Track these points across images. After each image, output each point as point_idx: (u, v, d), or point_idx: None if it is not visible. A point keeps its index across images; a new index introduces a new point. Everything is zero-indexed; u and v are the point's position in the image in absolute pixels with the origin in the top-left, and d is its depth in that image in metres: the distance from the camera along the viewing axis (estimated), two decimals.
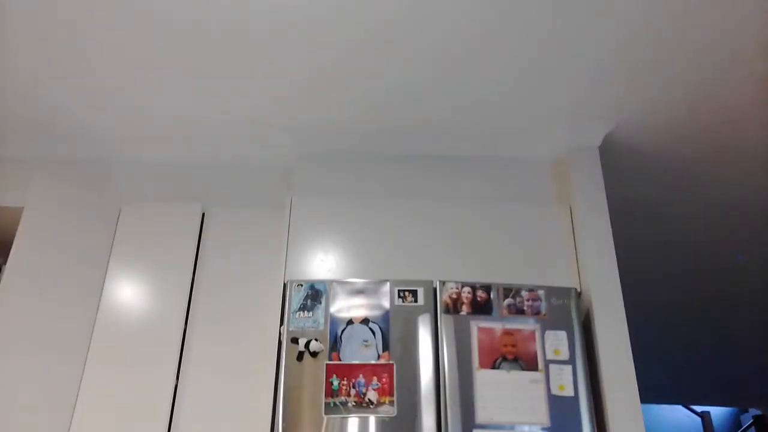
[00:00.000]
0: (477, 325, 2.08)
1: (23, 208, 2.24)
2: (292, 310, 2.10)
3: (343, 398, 1.96)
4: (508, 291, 2.14)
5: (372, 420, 1.94)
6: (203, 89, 2.34)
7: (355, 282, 2.15)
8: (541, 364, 2.03)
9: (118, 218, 2.43)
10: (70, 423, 2.09)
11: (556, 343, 2.06)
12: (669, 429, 5.83)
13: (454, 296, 2.12)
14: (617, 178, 2.61)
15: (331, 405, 1.95)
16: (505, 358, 2.04)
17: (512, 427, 1.95)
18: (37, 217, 2.24)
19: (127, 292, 2.30)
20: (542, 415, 1.96)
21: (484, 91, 2.31)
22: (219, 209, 2.48)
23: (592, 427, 1.96)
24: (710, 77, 2.20)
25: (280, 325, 2.11)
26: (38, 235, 2.23)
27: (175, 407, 2.14)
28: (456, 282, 2.14)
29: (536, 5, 1.95)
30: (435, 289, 2.14)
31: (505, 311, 2.11)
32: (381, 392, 1.97)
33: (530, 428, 1.94)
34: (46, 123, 2.55)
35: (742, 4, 1.93)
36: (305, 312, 2.10)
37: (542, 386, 2.00)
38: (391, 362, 2.02)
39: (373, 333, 2.06)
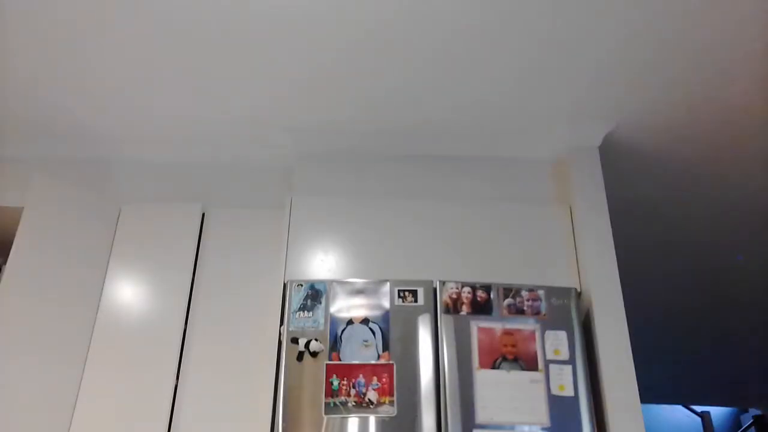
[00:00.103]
0: (477, 325, 2.08)
1: (23, 208, 2.24)
2: (292, 310, 2.10)
3: (343, 398, 1.96)
4: (508, 291, 2.14)
5: (372, 420, 1.94)
6: (203, 89, 2.34)
7: (355, 282, 2.15)
8: (541, 364, 2.03)
9: (118, 218, 2.43)
10: (70, 423, 2.09)
11: (556, 343, 2.06)
12: (669, 429, 5.83)
13: (454, 296, 2.12)
14: (617, 178, 2.61)
15: (331, 405, 1.95)
16: (505, 358, 2.04)
17: (512, 427, 1.95)
18: (37, 217, 2.24)
19: (127, 292, 2.30)
20: (542, 415, 1.96)
21: (484, 91, 2.31)
22: (219, 209, 2.48)
23: (592, 427, 1.96)
24: (710, 77, 2.21)
25: (280, 325, 2.11)
26: (38, 235, 2.23)
27: (175, 407, 2.14)
28: (456, 282, 2.14)
29: (536, 5, 1.95)
30: (435, 289, 2.14)
31: (505, 311, 2.11)
32: (381, 392, 1.97)
33: (530, 428, 1.94)
34: (46, 123, 2.55)
35: (742, 4, 1.93)
36: (305, 312, 2.10)
37: (542, 386, 2.00)
38: (391, 362, 2.02)
39: (373, 333, 2.06)
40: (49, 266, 2.21)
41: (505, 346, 2.05)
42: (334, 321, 2.08)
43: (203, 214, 2.47)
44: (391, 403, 1.96)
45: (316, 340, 2.04)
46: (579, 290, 2.23)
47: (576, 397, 1.99)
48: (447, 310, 2.10)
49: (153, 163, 2.67)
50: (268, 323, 2.20)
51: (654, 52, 2.11)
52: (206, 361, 2.21)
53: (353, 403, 1.96)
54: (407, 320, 2.08)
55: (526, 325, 2.09)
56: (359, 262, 2.30)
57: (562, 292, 2.14)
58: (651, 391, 4.41)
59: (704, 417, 5.64)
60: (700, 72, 2.19)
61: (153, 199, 2.58)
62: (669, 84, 2.24)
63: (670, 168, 2.65)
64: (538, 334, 2.07)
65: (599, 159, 2.44)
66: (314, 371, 2.00)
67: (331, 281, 2.15)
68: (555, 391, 2.00)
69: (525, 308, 2.11)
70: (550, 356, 2.05)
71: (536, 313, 2.11)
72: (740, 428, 5.74)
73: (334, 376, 1.99)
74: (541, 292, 2.14)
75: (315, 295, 2.12)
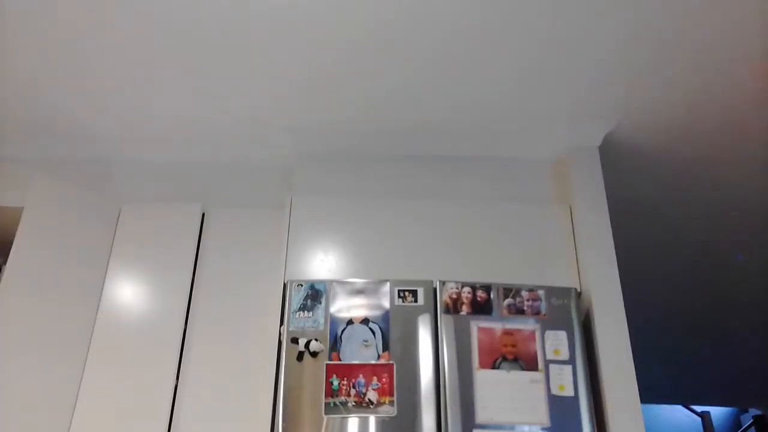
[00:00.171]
0: (477, 325, 2.08)
1: (23, 208, 2.24)
2: (292, 310, 2.10)
3: (343, 398, 1.96)
4: (508, 291, 2.14)
5: (372, 420, 1.94)
6: (203, 89, 2.34)
7: (355, 282, 2.15)
8: (541, 364, 2.03)
9: (118, 218, 2.43)
10: (70, 423, 2.09)
11: (556, 343, 2.06)
12: (669, 429, 5.83)
13: (454, 296, 2.12)
14: (617, 178, 2.61)
15: (331, 405, 1.95)
16: (505, 358, 2.04)
17: (512, 427, 1.95)
18: (37, 217, 2.24)
19: (127, 292, 2.30)
20: (542, 415, 1.96)
21: (484, 91, 2.31)
22: (219, 209, 2.48)
23: (592, 427, 1.96)
24: (710, 77, 2.21)
25: (280, 325, 2.11)
26: (38, 235, 2.23)
27: (175, 407, 2.14)
28: (456, 282, 2.14)
29: (536, 5, 1.95)
30: (435, 289, 2.14)
31: (505, 311, 2.11)
32: (381, 392, 1.97)
33: (530, 428, 1.94)
34: (46, 123, 2.55)
35: (742, 4, 1.93)
36: (305, 312, 2.10)
37: (542, 386, 2.00)
38: (391, 362, 2.02)
39: (373, 333, 2.06)
40: (49, 266, 2.21)
41: (505, 346, 2.05)
42: (334, 321, 2.08)
43: (203, 214, 2.47)
44: (391, 403, 1.96)
45: (316, 340, 2.04)
46: (579, 290, 2.23)
47: (576, 397, 1.99)
48: (447, 310, 2.10)
49: (153, 163, 2.67)
50: (268, 323, 2.20)
51: (654, 52, 2.11)
52: (206, 361, 2.21)
53: (353, 403, 1.96)
54: (407, 320, 2.08)
55: (526, 325, 2.09)
56: (359, 262, 2.30)
57: (562, 292, 2.14)
58: (651, 391, 4.41)
59: (704, 417, 5.64)
60: (700, 72, 2.19)
61: (153, 199, 2.58)
62: (669, 84, 2.24)
63: (670, 168, 2.65)
64: (538, 334, 2.07)
65: (599, 159, 2.44)
66: (314, 371, 2.00)
67: (331, 281, 2.15)
68: (555, 391, 2.00)
69: (525, 308, 2.11)
70: (550, 356, 2.05)
71: (536, 313, 2.11)
72: (740, 428, 5.74)
73: (334, 376, 1.99)
74: (541, 292, 2.14)
75: (315, 295, 2.12)
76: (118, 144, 2.64)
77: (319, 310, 2.10)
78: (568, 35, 2.06)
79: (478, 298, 2.12)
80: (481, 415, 1.95)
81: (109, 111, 2.47)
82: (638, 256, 3.21)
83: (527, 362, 2.03)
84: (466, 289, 2.13)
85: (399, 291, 2.13)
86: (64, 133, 2.60)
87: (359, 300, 2.11)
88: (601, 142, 2.46)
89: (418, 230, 2.36)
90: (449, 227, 2.37)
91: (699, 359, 4.42)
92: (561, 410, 1.97)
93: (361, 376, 1.99)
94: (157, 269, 2.33)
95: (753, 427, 5.43)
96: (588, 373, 2.03)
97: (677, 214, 2.96)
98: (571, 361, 2.04)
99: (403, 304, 2.11)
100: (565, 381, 2.01)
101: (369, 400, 1.96)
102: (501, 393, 1.98)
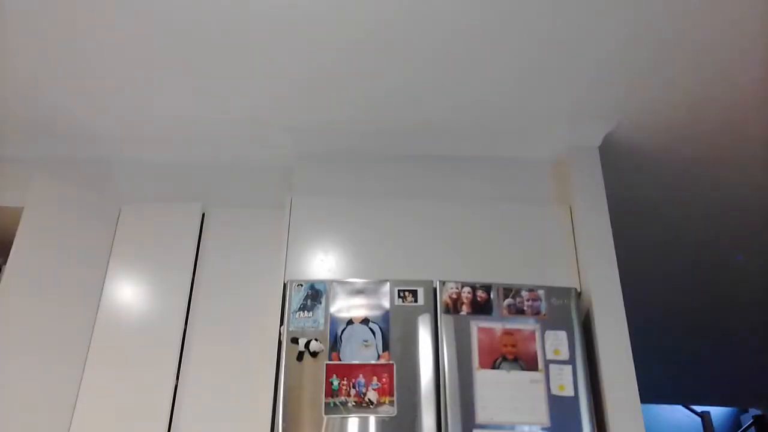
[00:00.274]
0: (477, 325, 2.08)
1: (23, 208, 2.24)
2: (292, 310, 2.10)
3: (343, 398, 1.96)
4: (508, 291, 2.14)
5: (372, 420, 1.94)
6: (203, 89, 2.34)
7: (355, 282, 2.15)
8: (541, 364, 2.03)
9: (118, 218, 2.43)
10: (70, 423, 2.09)
11: (556, 343, 2.06)
12: (669, 429, 5.83)
13: (454, 296, 2.12)
14: (617, 178, 2.61)
15: (331, 405, 1.95)
16: (505, 358, 2.04)
17: (512, 427, 1.95)
18: (37, 217, 2.24)
19: (127, 292, 2.30)
20: (542, 415, 1.96)
21: (484, 91, 2.31)
22: (219, 209, 2.48)
23: (592, 427, 1.96)
24: (710, 77, 2.20)
25: (280, 325, 2.11)
26: (38, 235, 2.23)
27: (175, 407, 2.14)
28: (456, 282, 2.14)
29: (536, 5, 1.95)
30: (435, 289, 2.14)
31: (505, 311, 2.11)
32: (381, 392, 1.97)
33: (530, 428, 1.94)
34: (46, 123, 2.55)
35: (742, 4, 1.93)
36: (305, 312, 2.10)
37: (542, 386, 2.00)
38: (391, 362, 2.02)
39: (373, 333, 2.06)
40: (49, 266, 2.21)
41: (505, 346, 2.05)
42: (334, 321, 2.08)
43: (203, 214, 2.47)
44: (391, 403, 1.96)
45: (316, 340, 2.04)
46: (579, 290, 2.23)
47: (576, 397, 1.99)
48: (447, 310, 2.10)
49: (153, 163, 2.67)
50: (268, 323, 2.20)
51: (654, 52, 2.11)
52: (206, 361, 2.21)
53: (353, 403, 1.96)
54: (407, 320, 2.08)
55: (526, 325, 2.09)
56: (359, 262, 2.30)
57: (562, 292, 2.14)
58: (651, 391, 4.41)
59: (704, 417, 5.64)
60: (700, 72, 2.19)
61: (153, 199, 2.58)
62: (669, 84, 2.24)
63: (670, 168, 2.65)
64: (538, 334, 2.07)
65: (599, 159, 2.44)
66: (314, 371, 2.00)
67: (331, 281, 2.15)
68: (555, 391, 2.00)
69: (525, 308, 2.11)
70: (550, 356, 2.05)
71: (536, 313, 2.11)
72: (740, 428, 5.74)
73: (334, 376, 1.99)
74: (541, 292, 2.14)
75: (315, 295, 2.12)
76: (118, 144, 2.64)
77: (319, 310, 2.10)
78: (568, 35, 2.06)
79: (478, 298, 2.12)
80: (481, 415, 1.95)
81: (109, 111, 2.47)
82: (638, 256, 3.21)
83: (527, 362, 2.03)
84: (466, 289, 2.13)
85: (399, 291, 2.13)
86: (64, 133, 2.60)
87: (359, 300, 2.11)
88: (601, 142, 2.47)
89: (418, 230, 2.36)
90: (449, 227, 2.37)
91: (699, 359, 4.42)
92: (561, 410, 1.97)
93: (361, 376, 1.99)
94: (157, 269, 2.33)
95: (753, 427, 5.43)
96: (588, 373, 2.03)
97: (677, 214, 2.96)
98: (571, 361, 2.04)
99: (403, 304, 2.11)
100: (565, 381, 2.01)
101: (369, 400, 1.96)
102: (501, 393, 1.98)
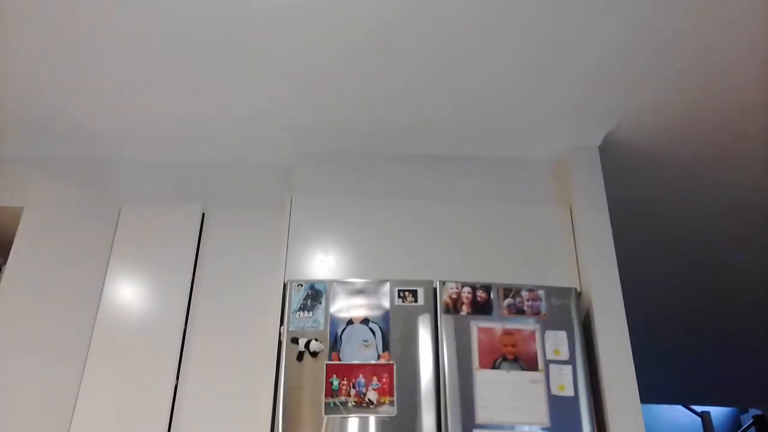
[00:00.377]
0: (477, 325, 2.08)
1: (23, 208, 2.24)
2: (292, 310, 2.10)
3: (343, 398, 1.96)
4: (508, 291, 2.14)
5: (372, 420, 1.94)
6: (203, 89, 2.34)
7: (355, 282, 2.15)
8: (541, 364, 2.03)
9: (118, 218, 2.43)
10: (70, 423, 2.09)
11: (556, 343, 2.06)
12: (669, 429, 5.83)
13: (454, 296, 2.12)
14: (617, 178, 2.61)
15: (331, 405, 1.95)
16: (505, 358, 2.04)
17: (512, 427, 1.95)
18: (37, 217, 2.24)
19: (127, 292, 2.30)
20: (542, 415, 1.96)
21: (484, 91, 2.31)
22: (219, 209, 2.48)
23: (592, 427, 1.96)
24: (710, 77, 2.20)
25: (280, 325, 2.11)
26: (38, 235, 2.23)
27: (175, 407, 2.14)
28: (456, 282, 2.14)
29: (536, 5, 1.95)
30: (435, 289, 2.14)
31: (505, 311, 2.11)
32: (381, 392, 1.97)
33: (530, 428, 1.94)
34: (46, 123, 2.55)
35: (742, 4, 1.93)
36: (305, 312, 2.10)
37: (542, 386, 2.00)
38: (391, 362, 2.02)
39: (373, 333, 2.06)
40: (49, 266, 2.21)
41: (505, 346, 2.05)
42: (334, 321, 2.08)
43: (203, 214, 2.47)
44: (391, 403, 1.96)
45: (316, 340, 2.04)
46: (579, 290, 2.23)
47: (576, 397, 1.99)
48: (447, 310, 2.10)
49: (153, 163, 2.67)
50: (268, 323, 2.20)
51: (654, 52, 2.11)
52: (206, 361, 2.21)
53: (353, 403, 1.96)
54: (407, 320, 2.08)
55: (526, 325, 2.09)
56: (359, 262, 2.30)
57: (562, 292, 2.14)
58: (651, 391, 4.41)
59: (704, 417, 5.64)
60: (700, 72, 2.19)
61: (153, 199, 2.58)
62: (669, 84, 2.24)
63: (670, 168, 2.65)
64: (538, 334, 2.07)
65: (599, 159, 2.45)
66: (314, 371, 2.00)
67: (331, 281, 2.15)
68: (555, 391, 2.00)
69: (525, 308, 2.11)
70: (550, 356, 2.05)
71: (536, 313, 2.11)
72: (740, 428, 5.74)
73: (334, 376, 1.99)
74: (541, 292, 2.14)
75: (315, 295, 2.12)
76: (118, 144, 2.64)
77: (319, 310, 2.10)
78: (568, 35, 2.06)
79: (478, 298, 2.12)
80: (481, 415, 1.95)
81: (109, 111, 2.47)
82: (638, 256, 3.21)
83: (527, 362, 2.03)
84: (466, 289, 2.13)
85: (399, 291, 2.13)
86: (64, 133, 2.60)
87: (359, 300, 2.11)
88: (601, 142, 2.47)
89: (418, 230, 2.37)
90: (449, 227, 2.37)
91: (699, 359, 4.42)
92: (561, 410, 1.97)
93: (361, 376, 1.99)
94: (157, 269, 2.33)
95: (753, 427, 5.44)
96: (588, 373, 2.04)
97: (677, 214, 2.96)
98: (571, 361, 2.04)
99: (403, 304, 2.11)
100: (565, 381, 2.01)
101: (369, 400, 1.96)
102: (501, 393, 1.98)
